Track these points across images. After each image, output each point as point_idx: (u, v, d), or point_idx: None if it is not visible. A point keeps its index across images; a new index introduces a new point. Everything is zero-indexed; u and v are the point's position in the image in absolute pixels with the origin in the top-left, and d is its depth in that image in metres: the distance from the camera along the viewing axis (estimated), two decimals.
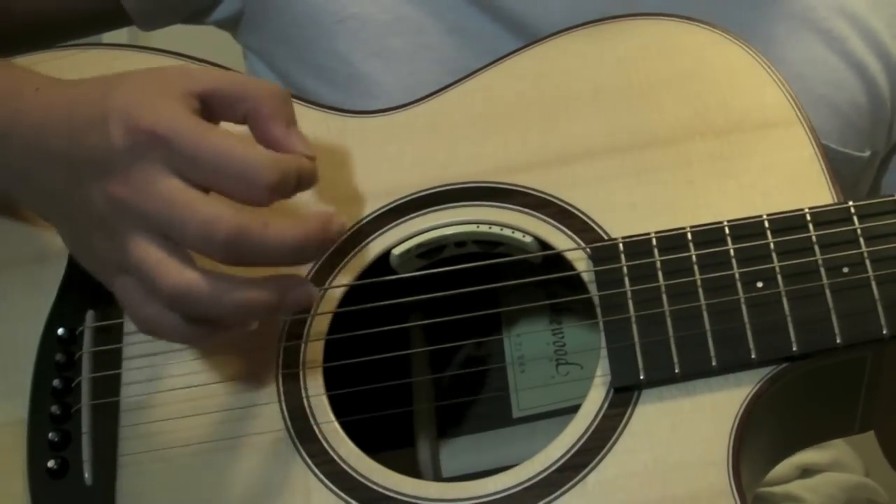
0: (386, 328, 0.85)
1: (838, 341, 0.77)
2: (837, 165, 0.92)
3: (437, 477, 0.88)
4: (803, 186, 0.83)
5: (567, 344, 0.91)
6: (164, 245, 0.72)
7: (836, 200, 0.82)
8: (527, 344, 0.91)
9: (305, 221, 0.73)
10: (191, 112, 0.73)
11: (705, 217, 0.82)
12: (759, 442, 0.80)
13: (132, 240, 0.72)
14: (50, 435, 0.84)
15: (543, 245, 0.85)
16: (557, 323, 0.91)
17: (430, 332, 0.90)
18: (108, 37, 1.33)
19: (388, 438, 0.88)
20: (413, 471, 0.88)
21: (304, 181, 0.75)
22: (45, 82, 0.80)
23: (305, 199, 0.87)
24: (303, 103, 0.91)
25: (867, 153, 0.99)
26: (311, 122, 0.90)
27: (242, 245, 0.71)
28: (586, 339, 0.89)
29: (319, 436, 0.81)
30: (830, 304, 0.78)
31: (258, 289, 0.73)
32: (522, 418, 0.90)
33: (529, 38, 0.93)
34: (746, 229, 0.81)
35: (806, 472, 1.08)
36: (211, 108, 0.75)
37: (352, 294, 0.86)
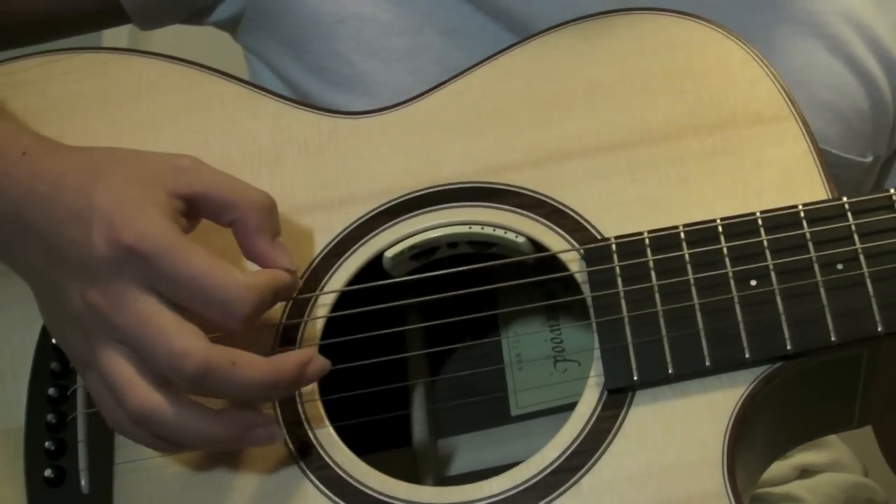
0: (381, 332, 0.84)
1: (833, 339, 0.77)
2: (839, 171, 0.92)
3: (435, 476, 0.88)
4: (797, 182, 0.82)
5: (565, 341, 0.90)
6: (134, 362, 0.73)
7: (829, 195, 0.81)
8: (524, 343, 0.91)
9: (279, 363, 0.74)
10: (174, 221, 0.74)
11: (699, 214, 0.81)
12: (754, 441, 0.80)
13: (104, 349, 0.73)
14: (46, 443, 0.84)
15: (537, 246, 0.84)
16: (555, 321, 0.91)
17: (426, 333, 0.90)
18: (107, 36, 1.34)
19: (385, 438, 0.88)
20: (411, 470, 0.88)
21: (281, 296, 0.76)
22: (33, 145, 0.80)
23: (299, 206, 0.87)
24: (294, 105, 0.91)
25: (869, 158, 0.98)
26: (303, 124, 0.90)
27: (208, 381, 0.72)
28: (584, 336, 0.89)
29: (314, 441, 0.81)
30: (825, 302, 0.77)
31: (221, 425, 0.75)
32: (521, 416, 0.89)
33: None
34: (740, 227, 0.80)
35: (805, 472, 1.08)
36: (197, 209, 0.76)
37: (346, 296, 0.86)
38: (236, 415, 0.75)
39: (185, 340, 0.71)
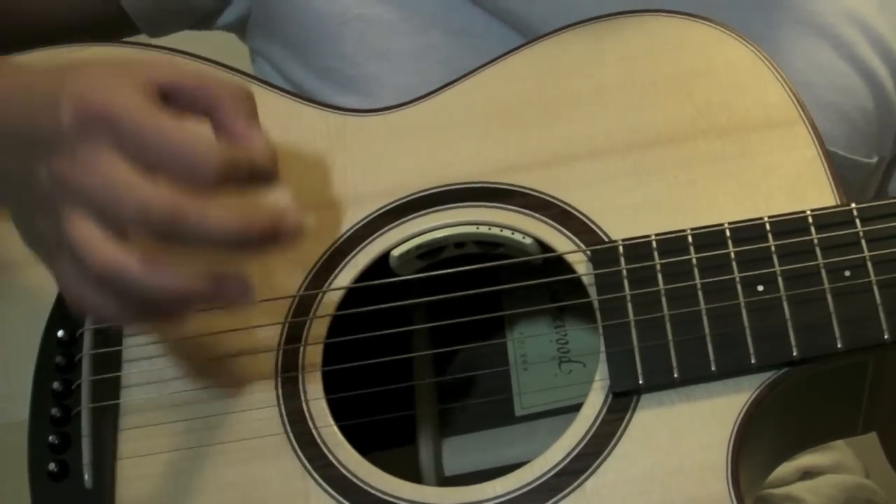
0: (387, 331, 0.84)
1: (839, 346, 0.76)
2: (845, 172, 0.91)
3: (439, 476, 0.88)
4: (806, 187, 0.82)
5: (570, 342, 0.90)
6: (100, 223, 0.72)
7: (838, 201, 0.81)
8: (529, 344, 0.90)
9: (252, 212, 0.72)
10: (146, 99, 0.73)
11: (707, 218, 0.81)
12: (758, 447, 0.80)
13: (70, 216, 0.72)
14: (50, 437, 0.84)
15: (544, 247, 0.84)
16: (560, 322, 0.91)
17: (432, 332, 0.89)
18: None
19: (389, 437, 0.88)
20: (414, 470, 0.88)
21: (258, 174, 0.74)
22: (7, 68, 0.80)
23: (306, 204, 0.87)
24: (302, 101, 0.91)
25: (874, 159, 0.98)
26: (311, 121, 0.90)
27: (177, 228, 0.70)
28: (589, 338, 0.88)
29: (318, 440, 0.81)
30: (832, 309, 0.77)
31: (191, 277, 0.72)
32: (525, 417, 0.89)
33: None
34: (747, 232, 0.80)
35: (807, 474, 1.08)
36: (173, 100, 0.75)
37: (351, 295, 0.85)
38: (206, 268, 0.73)
39: (153, 189, 0.70)
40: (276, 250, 0.73)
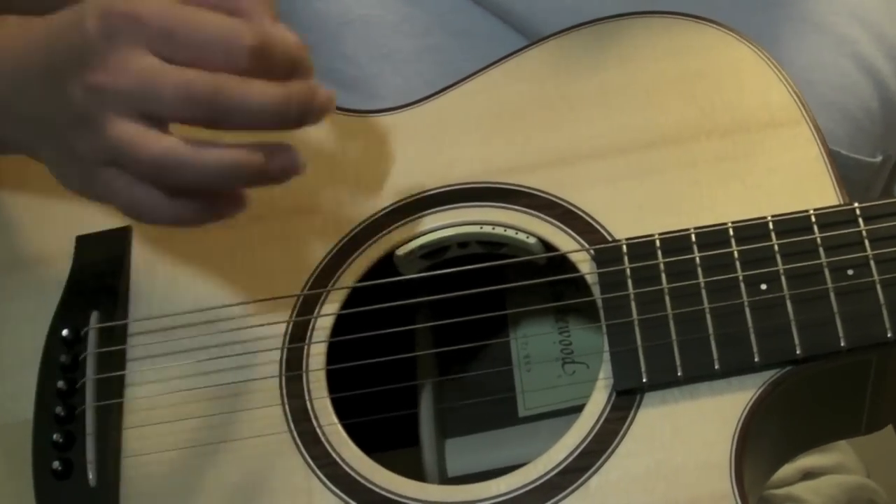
0: (390, 330, 0.84)
1: (842, 345, 0.77)
2: (848, 171, 0.91)
3: (442, 476, 0.88)
4: (808, 187, 0.82)
5: (573, 343, 0.90)
6: (142, 120, 0.71)
7: (841, 201, 0.81)
8: (533, 344, 0.91)
9: (288, 85, 0.72)
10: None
11: (710, 218, 0.81)
12: (762, 445, 0.80)
13: (110, 122, 0.71)
14: (54, 436, 0.84)
15: (548, 246, 0.84)
16: (563, 322, 0.91)
17: (434, 332, 0.90)
18: None
19: (392, 437, 0.88)
20: (417, 470, 0.88)
21: (294, 61, 0.73)
22: (24, 18, 0.81)
23: (310, 203, 0.87)
24: None
25: (878, 158, 0.98)
26: None
27: (221, 102, 0.70)
28: (592, 338, 0.89)
29: (322, 438, 0.81)
30: (835, 307, 0.77)
31: (241, 149, 0.72)
32: (528, 417, 0.89)
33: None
34: (750, 231, 0.80)
35: (808, 474, 1.08)
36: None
37: (356, 294, 0.86)
38: (256, 141, 0.73)
39: (190, 74, 0.70)
40: (312, 123, 0.73)
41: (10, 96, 0.78)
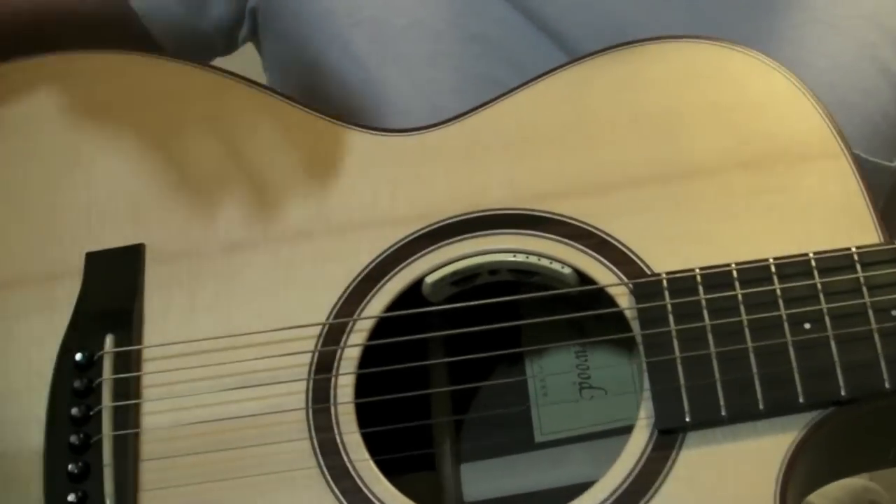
0: (416, 364, 0.82)
1: (887, 387, 0.76)
2: (866, 175, 0.91)
3: (459, 502, 0.86)
4: (847, 222, 0.81)
5: (591, 368, 0.89)
6: None
7: (881, 236, 0.80)
8: (550, 367, 0.89)
9: None
10: None
11: (747, 251, 0.80)
12: (802, 480, 0.79)
13: None
14: (69, 466, 0.81)
15: (583, 277, 0.83)
16: (581, 348, 0.89)
17: (450, 349, 0.87)
18: None
19: (410, 462, 0.86)
20: (435, 495, 0.86)
21: None
22: None
23: (337, 226, 0.85)
24: (329, 120, 0.88)
25: (895, 162, 0.98)
26: (340, 141, 0.87)
27: None
28: (611, 363, 0.87)
29: (353, 473, 0.79)
30: (879, 349, 0.77)
31: None
32: (545, 443, 0.88)
33: (557, 43, 0.90)
34: (792, 268, 0.79)
35: None
36: None
37: (382, 322, 0.83)
38: None
39: None
40: None
41: None
